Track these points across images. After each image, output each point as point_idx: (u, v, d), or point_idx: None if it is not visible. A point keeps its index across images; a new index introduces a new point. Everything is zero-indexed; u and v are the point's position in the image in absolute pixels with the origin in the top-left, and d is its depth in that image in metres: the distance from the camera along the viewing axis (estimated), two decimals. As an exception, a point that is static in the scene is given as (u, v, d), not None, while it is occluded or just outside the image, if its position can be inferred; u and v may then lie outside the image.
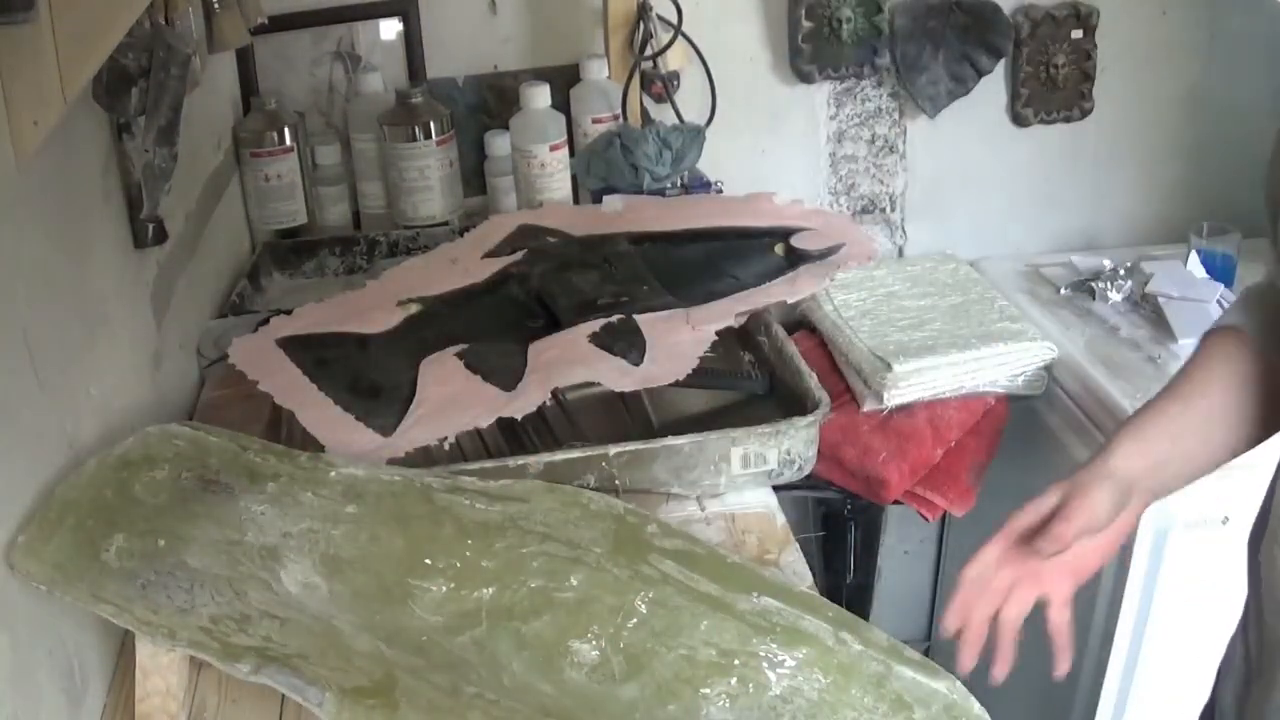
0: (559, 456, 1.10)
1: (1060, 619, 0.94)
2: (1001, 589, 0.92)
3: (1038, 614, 0.95)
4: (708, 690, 0.84)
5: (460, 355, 1.21)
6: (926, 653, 2.43)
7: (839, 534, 1.92)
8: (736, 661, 0.86)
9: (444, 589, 0.89)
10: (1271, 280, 0.99)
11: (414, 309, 1.30)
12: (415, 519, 0.94)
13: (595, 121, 1.75)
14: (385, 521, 0.93)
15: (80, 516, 0.88)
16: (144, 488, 0.92)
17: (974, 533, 1.90)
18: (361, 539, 0.92)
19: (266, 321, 1.30)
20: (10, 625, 0.81)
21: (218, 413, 1.24)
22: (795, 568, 1.07)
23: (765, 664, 0.86)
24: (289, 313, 1.31)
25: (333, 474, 0.96)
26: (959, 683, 0.87)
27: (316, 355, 1.22)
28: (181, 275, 1.34)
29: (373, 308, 1.30)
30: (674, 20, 1.76)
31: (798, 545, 1.11)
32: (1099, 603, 1.62)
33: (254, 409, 1.21)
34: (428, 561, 0.91)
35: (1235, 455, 0.97)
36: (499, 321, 1.29)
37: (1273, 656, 0.92)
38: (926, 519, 1.71)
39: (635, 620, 0.88)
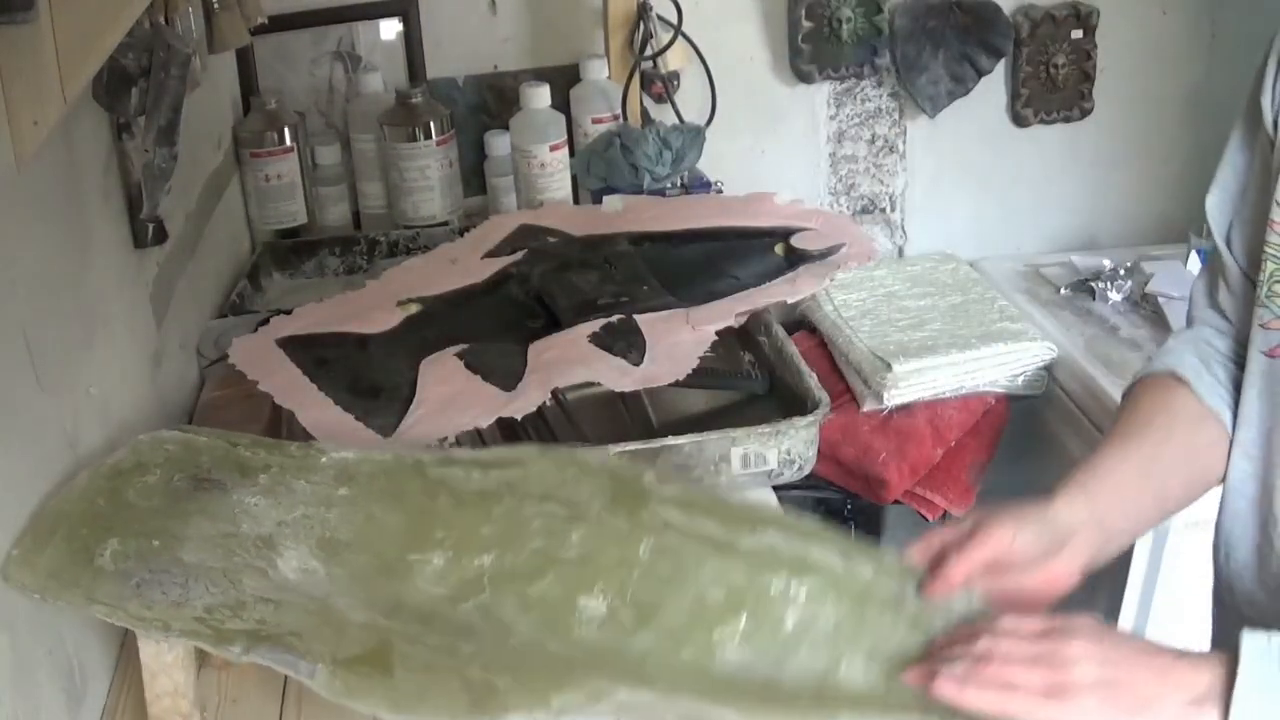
0: (559, 456, 1.10)
1: None
2: None
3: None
4: (721, 632, 0.82)
5: (460, 355, 1.21)
6: (926, 652, 2.39)
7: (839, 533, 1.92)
8: (747, 600, 0.83)
9: (444, 560, 0.88)
10: (1197, 330, 0.99)
11: (414, 309, 1.30)
12: (409, 494, 0.93)
13: (595, 121, 1.75)
14: (379, 500, 0.92)
15: (73, 526, 0.87)
16: (137, 493, 0.92)
17: (974, 533, 1.89)
18: (357, 520, 0.91)
19: (266, 321, 1.30)
20: (10, 625, 0.81)
21: (218, 413, 1.24)
22: (795, 568, 1.07)
23: (777, 599, 0.83)
24: (289, 313, 1.31)
25: (324, 459, 0.96)
26: (976, 591, 0.83)
27: (316, 355, 1.22)
28: (181, 275, 1.34)
29: (373, 308, 1.30)
30: (674, 20, 1.76)
31: (798, 545, 1.10)
32: (1099, 603, 1.62)
33: (254, 409, 1.21)
34: (425, 534, 0.89)
35: (1180, 507, 0.96)
36: (499, 321, 1.29)
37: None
38: (926, 519, 1.71)
39: (640, 570, 0.85)
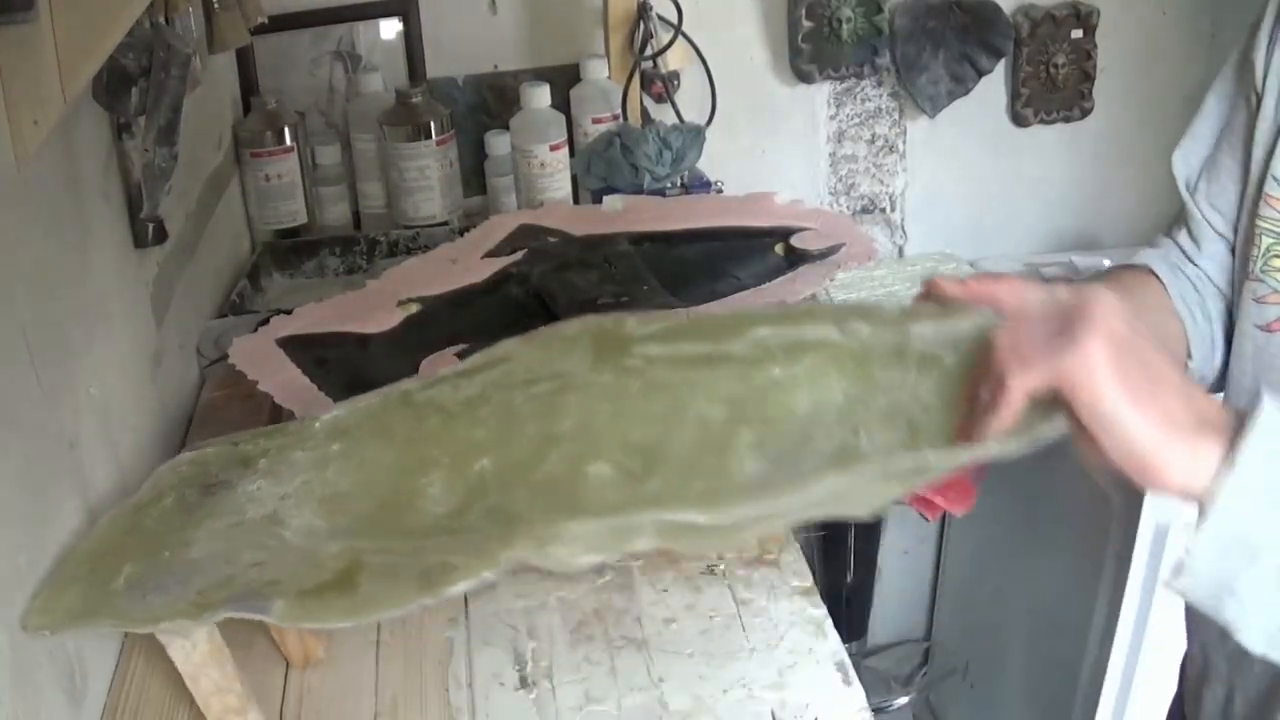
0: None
1: None
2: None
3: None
4: (733, 448, 0.78)
5: (460, 355, 1.21)
6: (926, 653, 2.42)
7: (839, 534, 1.92)
8: (748, 406, 0.79)
9: (442, 476, 0.86)
10: (1164, 250, 1.00)
11: (414, 309, 1.30)
12: (399, 426, 0.90)
13: (595, 121, 1.75)
14: (370, 441, 0.91)
15: (93, 565, 0.87)
16: (155, 521, 0.91)
17: (974, 533, 1.90)
18: (351, 468, 0.89)
19: (266, 321, 1.30)
20: (10, 624, 0.81)
21: (218, 413, 1.24)
22: (795, 568, 1.07)
23: (777, 391, 0.79)
24: (289, 313, 1.31)
25: (316, 425, 0.95)
26: (985, 310, 0.74)
27: (316, 355, 1.22)
28: (181, 275, 1.35)
29: (373, 308, 1.30)
30: (674, 20, 1.76)
31: (798, 545, 1.11)
32: (1099, 603, 1.62)
33: (254, 409, 1.21)
34: (420, 459, 0.87)
35: None
36: (499, 321, 1.29)
37: None
38: (927, 519, 1.70)
39: (636, 416, 0.82)
